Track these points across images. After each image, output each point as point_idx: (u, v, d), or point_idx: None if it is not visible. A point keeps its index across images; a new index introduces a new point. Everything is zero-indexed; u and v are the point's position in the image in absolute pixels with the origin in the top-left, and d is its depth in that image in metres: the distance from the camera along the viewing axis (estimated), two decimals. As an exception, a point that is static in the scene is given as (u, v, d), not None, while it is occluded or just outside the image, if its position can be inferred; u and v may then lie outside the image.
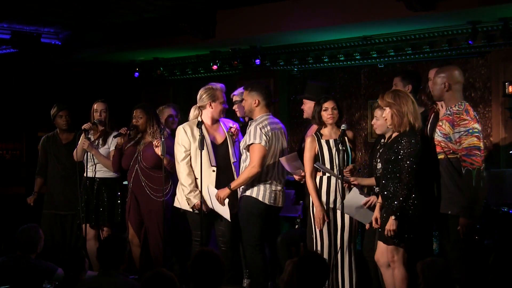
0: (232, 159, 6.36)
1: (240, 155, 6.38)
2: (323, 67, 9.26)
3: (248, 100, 6.25)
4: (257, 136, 6.08)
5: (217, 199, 6.15)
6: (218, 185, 6.26)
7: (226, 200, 6.15)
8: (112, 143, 7.25)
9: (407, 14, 7.00)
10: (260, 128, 6.11)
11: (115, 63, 10.38)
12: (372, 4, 7.30)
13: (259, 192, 6.13)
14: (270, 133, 6.13)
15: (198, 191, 6.28)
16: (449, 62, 7.84)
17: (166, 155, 6.63)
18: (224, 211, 6.19)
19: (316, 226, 5.94)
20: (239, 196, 6.25)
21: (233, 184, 6.14)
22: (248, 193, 6.15)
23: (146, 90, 10.86)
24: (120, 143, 7.00)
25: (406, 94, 5.45)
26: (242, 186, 6.17)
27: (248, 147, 6.12)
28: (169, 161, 6.69)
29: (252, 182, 6.13)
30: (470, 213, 5.21)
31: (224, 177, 6.33)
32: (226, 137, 6.44)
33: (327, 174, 5.96)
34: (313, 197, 5.96)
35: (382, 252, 5.52)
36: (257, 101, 6.23)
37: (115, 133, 7.23)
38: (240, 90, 6.80)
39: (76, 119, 7.66)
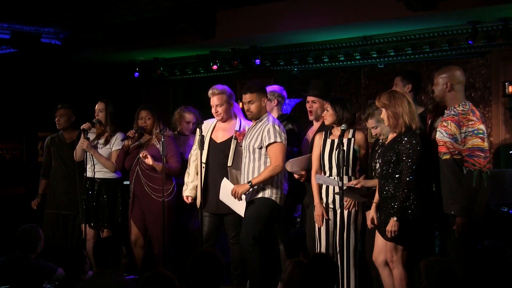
0: (229, 163, 6.32)
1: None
2: (323, 67, 9.26)
3: (258, 101, 6.17)
4: (277, 134, 6.06)
5: (233, 195, 6.08)
6: (206, 183, 6.37)
7: (243, 196, 6.08)
8: (115, 144, 7.23)
9: (407, 14, 7.01)
10: (277, 126, 6.11)
11: (115, 63, 10.38)
12: (372, 4, 7.30)
13: (277, 194, 6.12)
14: (284, 132, 6.15)
15: (189, 186, 6.54)
16: (449, 62, 7.84)
17: (157, 162, 6.66)
18: (240, 207, 6.13)
19: (316, 224, 5.97)
20: (251, 197, 6.14)
21: (255, 181, 6.06)
22: (266, 194, 6.11)
23: (146, 90, 10.85)
24: (127, 145, 7.01)
25: (401, 95, 5.44)
26: (259, 187, 6.12)
27: (267, 147, 6.08)
28: (162, 168, 6.69)
29: (271, 182, 6.09)
30: (467, 213, 5.20)
31: (212, 175, 6.35)
32: (232, 138, 6.42)
33: (327, 174, 5.97)
34: (314, 195, 6.00)
35: (380, 251, 5.52)
36: (265, 101, 6.22)
37: (119, 135, 7.21)
38: (271, 88, 6.81)
39: (77, 119, 7.66)
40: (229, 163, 6.33)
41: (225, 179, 6.23)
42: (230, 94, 6.46)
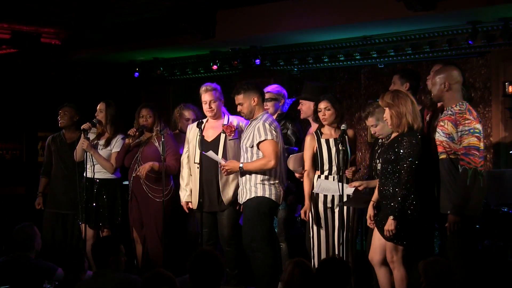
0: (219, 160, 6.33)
1: (236, 154, 6.36)
2: (323, 67, 9.27)
3: (247, 101, 6.20)
4: (268, 132, 6.08)
5: (222, 167, 6.18)
6: (200, 183, 6.40)
7: (225, 172, 6.20)
8: (115, 146, 7.23)
9: (407, 14, 7.01)
10: (268, 124, 6.11)
11: (115, 63, 10.38)
12: (372, 4, 7.30)
13: (271, 192, 6.13)
14: (277, 130, 6.16)
15: (184, 191, 6.56)
16: (449, 62, 7.83)
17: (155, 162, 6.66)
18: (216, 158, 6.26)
19: (301, 215, 6.05)
20: (246, 198, 6.19)
21: (245, 166, 6.12)
22: (259, 193, 6.12)
23: (146, 90, 10.85)
24: (128, 143, 7.01)
25: (405, 95, 5.45)
26: (252, 188, 6.15)
27: (258, 145, 6.10)
28: (162, 169, 6.71)
29: (262, 181, 6.12)
30: (459, 211, 5.21)
31: (206, 174, 6.37)
32: (220, 135, 6.45)
33: (325, 173, 5.98)
34: (305, 195, 6.07)
35: (376, 250, 5.52)
36: (255, 100, 6.22)
37: (120, 137, 7.21)
38: (272, 86, 6.81)
39: (79, 120, 7.65)
40: (220, 160, 6.34)
41: (211, 152, 6.28)
42: (221, 92, 6.53)
